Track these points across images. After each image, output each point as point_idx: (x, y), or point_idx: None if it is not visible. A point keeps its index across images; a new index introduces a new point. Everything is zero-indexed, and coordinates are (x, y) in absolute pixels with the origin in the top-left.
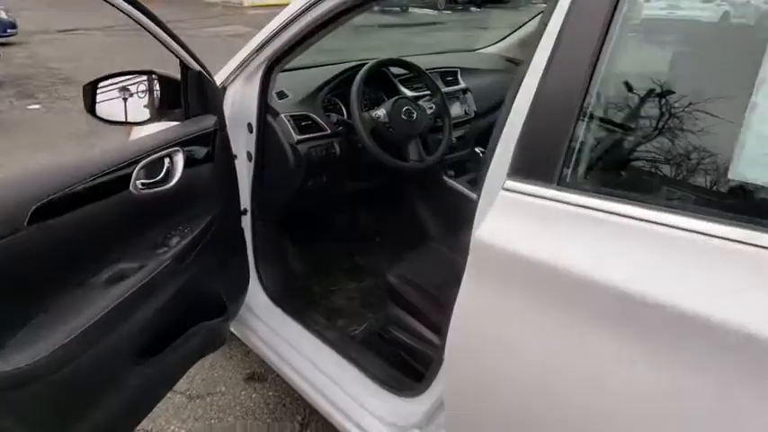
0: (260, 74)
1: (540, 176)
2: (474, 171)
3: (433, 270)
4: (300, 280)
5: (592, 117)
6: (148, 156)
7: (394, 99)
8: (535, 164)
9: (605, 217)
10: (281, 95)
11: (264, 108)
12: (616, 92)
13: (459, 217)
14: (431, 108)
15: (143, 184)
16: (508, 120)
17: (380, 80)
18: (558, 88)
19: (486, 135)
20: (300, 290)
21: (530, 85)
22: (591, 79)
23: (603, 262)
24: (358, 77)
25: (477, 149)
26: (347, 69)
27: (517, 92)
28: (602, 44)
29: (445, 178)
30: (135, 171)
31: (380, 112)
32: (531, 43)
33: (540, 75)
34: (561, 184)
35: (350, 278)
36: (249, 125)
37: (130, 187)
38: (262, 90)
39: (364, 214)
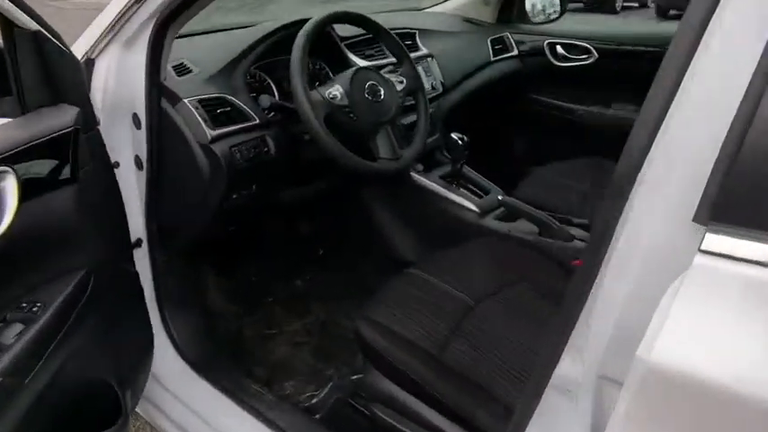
0: (146, 38)
1: None
2: (450, 163)
3: (422, 313)
4: (225, 325)
5: None
6: None
7: (353, 71)
8: None
9: None
10: (182, 70)
11: (157, 90)
12: None
13: (437, 227)
14: (401, 82)
15: None
16: (668, 120)
17: (322, 46)
18: None
19: (457, 113)
20: (227, 341)
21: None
22: None
23: None
24: (300, 39)
25: (453, 135)
26: (277, 30)
27: (683, 71)
28: None
29: (413, 174)
30: None
31: (336, 91)
32: None
33: None
34: None
35: (292, 312)
36: (135, 117)
37: None
38: (151, 63)
39: (306, 226)
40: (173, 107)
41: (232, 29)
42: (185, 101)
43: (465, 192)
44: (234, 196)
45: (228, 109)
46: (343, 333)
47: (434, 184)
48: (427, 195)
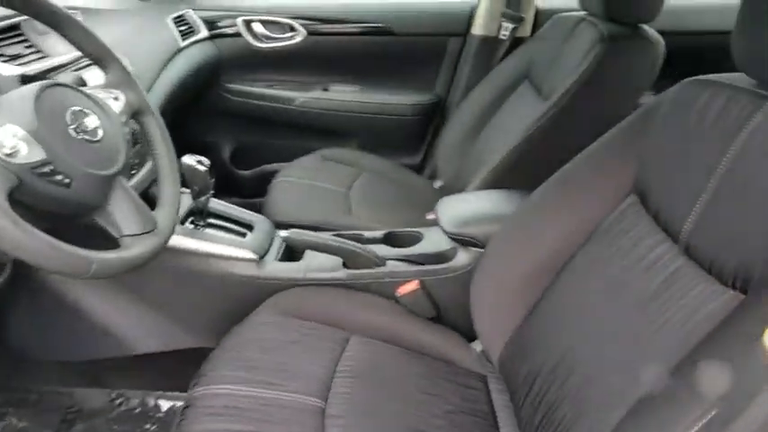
0: None
1: None
2: (190, 196)
3: None
4: None
5: None
6: None
7: (33, 92)
8: None
9: None
10: None
11: None
12: None
13: (203, 296)
14: (116, 99)
15: None
16: None
17: None
18: None
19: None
20: None
21: None
22: None
23: None
24: None
25: (187, 160)
26: None
27: None
28: None
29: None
30: None
31: (14, 138)
32: None
33: None
34: None
35: None
36: None
37: None
38: None
39: None
40: None
41: None
42: None
43: (225, 235)
44: None
45: None
46: None
47: (182, 238)
48: (174, 258)
